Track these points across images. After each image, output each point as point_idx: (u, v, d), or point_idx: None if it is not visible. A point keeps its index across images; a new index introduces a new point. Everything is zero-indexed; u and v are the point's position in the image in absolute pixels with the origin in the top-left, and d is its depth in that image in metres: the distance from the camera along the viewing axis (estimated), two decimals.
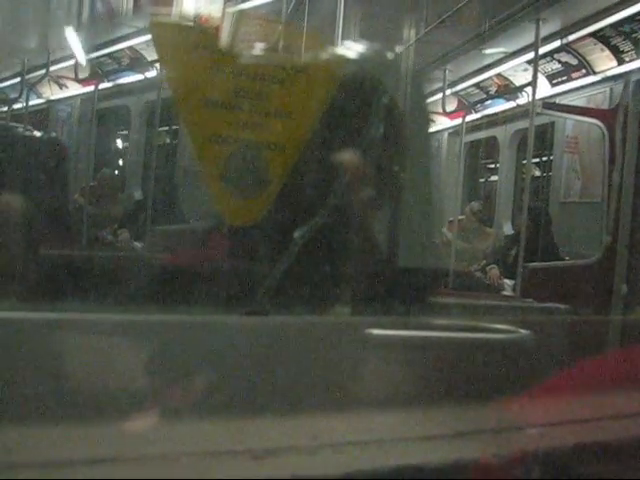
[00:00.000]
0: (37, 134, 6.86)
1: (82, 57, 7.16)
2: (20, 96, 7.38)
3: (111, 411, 0.96)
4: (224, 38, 1.74)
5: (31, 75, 7.55)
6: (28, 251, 1.88)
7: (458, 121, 9.27)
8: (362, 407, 1.14)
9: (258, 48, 1.83)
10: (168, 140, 8.01)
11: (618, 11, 7.32)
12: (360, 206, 1.60)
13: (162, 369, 1.06)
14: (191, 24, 1.78)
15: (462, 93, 9.86)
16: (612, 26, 7.59)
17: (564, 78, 8.68)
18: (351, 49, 2.04)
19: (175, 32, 1.70)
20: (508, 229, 9.65)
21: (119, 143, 9.83)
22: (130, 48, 7.60)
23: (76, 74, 7.29)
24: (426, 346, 1.34)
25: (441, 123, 9.79)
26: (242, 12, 2.29)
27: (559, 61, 8.52)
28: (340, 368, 1.15)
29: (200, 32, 1.75)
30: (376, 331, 1.26)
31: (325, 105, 1.67)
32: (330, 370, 1.14)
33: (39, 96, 8.45)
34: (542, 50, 7.77)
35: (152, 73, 6.99)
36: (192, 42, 1.63)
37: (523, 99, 8.49)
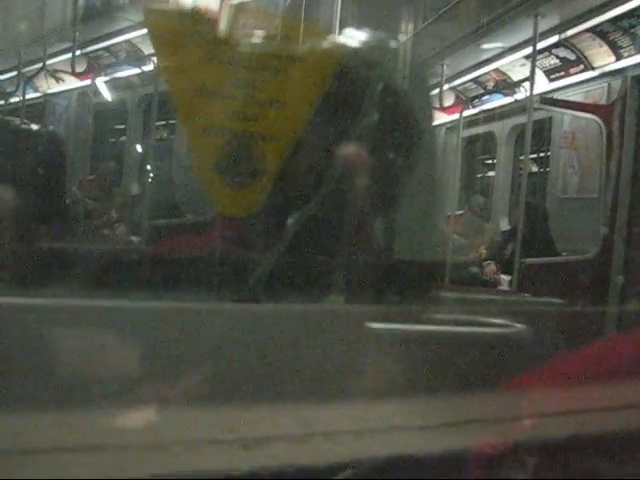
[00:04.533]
0: (34, 127, 6.85)
1: (79, 51, 7.16)
2: (17, 90, 7.38)
3: (99, 398, 0.95)
4: (219, 26, 1.73)
5: (28, 68, 7.55)
6: (23, 243, 1.88)
7: (455, 116, 9.27)
8: (355, 396, 1.13)
9: (254, 37, 1.82)
10: (165, 134, 8.01)
11: (616, 6, 7.32)
12: (355, 195, 1.59)
13: (152, 356, 1.05)
14: (185, 11, 1.76)
15: (459, 88, 9.87)
16: (610, 21, 7.59)
17: (562, 73, 8.68)
18: (348, 40, 2.03)
19: (169, 19, 1.69)
20: (505, 224, 9.65)
21: (116, 137, 9.83)
22: (127, 42, 7.60)
23: (73, 68, 7.28)
24: (421, 336, 1.33)
25: (438, 118, 9.79)
26: (239, 1, 2.27)
27: (557, 56, 8.52)
28: (333, 356, 1.15)
29: (194, 20, 1.74)
30: (370, 320, 1.25)
31: (321, 95, 1.66)
32: (323, 358, 1.13)
33: (36, 90, 8.45)
34: (540, 45, 7.77)
35: (149, 67, 6.98)
36: (186, 30, 1.62)
37: (521, 94, 8.49)
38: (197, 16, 1.71)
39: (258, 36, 1.78)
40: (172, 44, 1.61)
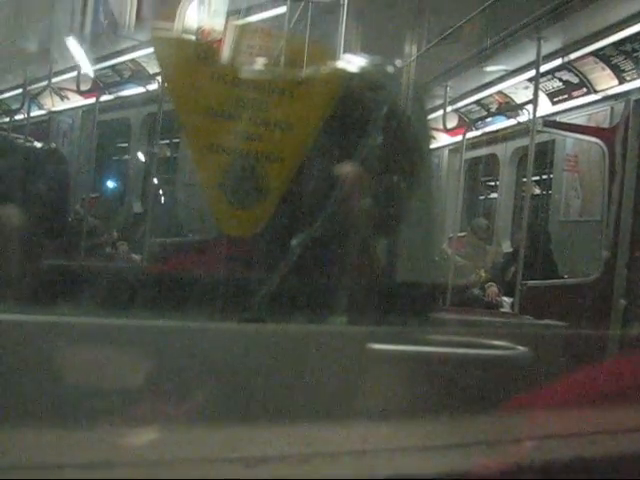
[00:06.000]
0: (37, 145, 6.86)
1: (84, 69, 7.18)
2: (22, 107, 7.40)
3: (105, 416, 0.95)
4: (225, 51, 1.74)
5: (33, 86, 7.57)
6: (26, 260, 1.88)
7: (458, 138, 9.27)
8: (357, 417, 1.13)
9: (259, 60, 1.84)
10: (169, 153, 8.01)
11: (619, 30, 7.35)
12: (357, 217, 1.60)
13: (157, 375, 1.05)
14: (192, 37, 1.78)
15: (463, 110, 9.88)
16: (613, 45, 7.62)
17: (565, 96, 8.70)
18: (352, 63, 2.04)
19: (176, 46, 1.71)
20: (507, 247, 9.64)
21: (120, 155, 9.84)
22: (132, 61, 7.62)
23: (78, 86, 7.30)
24: (422, 358, 1.34)
25: (441, 140, 9.79)
26: (244, 25, 2.29)
27: (560, 79, 8.55)
28: (336, 377, 1.15)
29: (201, 45, 1.76)
30: (372, 341, 1.25)
31: (325, 117, 1.67)
32: (326, 379, 1.14)
33: (41, 107, 8.47)
34: (543, 68, 7.79)
35: (153, 86, 7.00)
36: (193, 55, 1.64)
37: (524, 117, 8.51)
38: (203, 41, 1.73)
39: (264, 58, 1.80)
40: (179, 68, 1.63)
